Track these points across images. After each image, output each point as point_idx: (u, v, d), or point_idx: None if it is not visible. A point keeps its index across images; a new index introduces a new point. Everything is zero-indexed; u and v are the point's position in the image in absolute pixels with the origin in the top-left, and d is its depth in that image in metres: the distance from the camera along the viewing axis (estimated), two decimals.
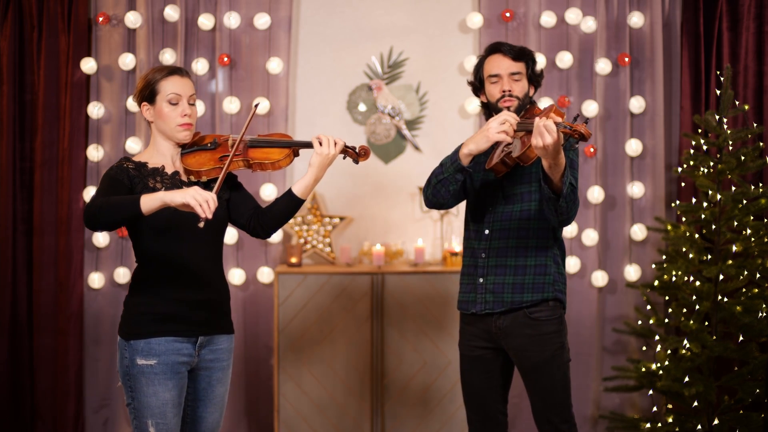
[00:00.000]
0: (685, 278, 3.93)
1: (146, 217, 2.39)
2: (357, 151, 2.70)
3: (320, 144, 2.61)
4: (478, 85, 2.87)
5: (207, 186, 2.58)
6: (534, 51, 2.84)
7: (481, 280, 2.79)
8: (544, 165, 2.49)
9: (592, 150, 4.31)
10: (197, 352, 2.56)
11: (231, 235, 4.31)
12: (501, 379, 2.87)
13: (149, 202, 2.30)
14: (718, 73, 4.22)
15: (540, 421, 2.80)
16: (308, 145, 2.65)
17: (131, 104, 4.33)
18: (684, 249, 3.97)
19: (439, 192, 2.73)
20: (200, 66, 4.29)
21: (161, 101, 2.54)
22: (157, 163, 2.58)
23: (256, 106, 2.67)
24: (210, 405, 2.63)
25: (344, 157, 2.72)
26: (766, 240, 3.83)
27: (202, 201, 2.27)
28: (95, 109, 4.32)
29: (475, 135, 2.64)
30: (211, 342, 2.60)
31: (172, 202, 2.29)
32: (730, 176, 3.88)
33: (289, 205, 2.65)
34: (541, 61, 4.27)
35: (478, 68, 2.86)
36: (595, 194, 4.30)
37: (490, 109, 2.86)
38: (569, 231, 4.31)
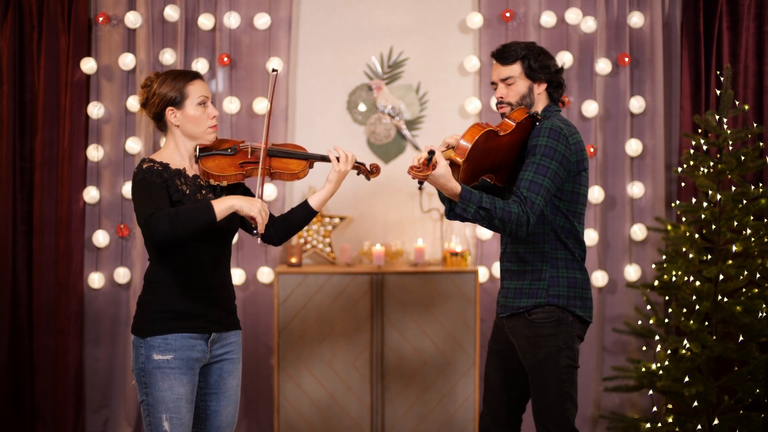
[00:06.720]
0: (685, 278, 3.93)
1: None
2: (369, 168, 2.80)
3: (338, 160, 2.70)
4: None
5: (224, 191, 2.69)
6: (532, 43, 2.85)
7: (502, 283, 2.92)
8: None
9: (592, 150, 4.32)
10: (209, 348, 2.62)
11: None
12: (519, 380, 2.89)
13: (223, 210, 2.42)
14: (718, 73, 4.22)
15: (537, 423, 2.82)
16: (325, 158, 2.73)
17: (131, 104, 4.33)
18: (684, 249, 3.97)
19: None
20: (200, 66, 4.29)
21: (190, 105, 2.61)
22: (178, 165, 2.63)
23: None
24: (223, 398, 2.67)
25: (358, 173, 2.81)
26: (766, 240, 3.83)
27: (266, 216, 2.47)
28: (95, 109, 4.32)
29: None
30: (222, 338, 2.66)
31: (241, 210, 2.43)
32: (730, 176, 3.88)
33: (305, 217, 2.77)
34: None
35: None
36: (595, 194, 4.30)
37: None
38: None
